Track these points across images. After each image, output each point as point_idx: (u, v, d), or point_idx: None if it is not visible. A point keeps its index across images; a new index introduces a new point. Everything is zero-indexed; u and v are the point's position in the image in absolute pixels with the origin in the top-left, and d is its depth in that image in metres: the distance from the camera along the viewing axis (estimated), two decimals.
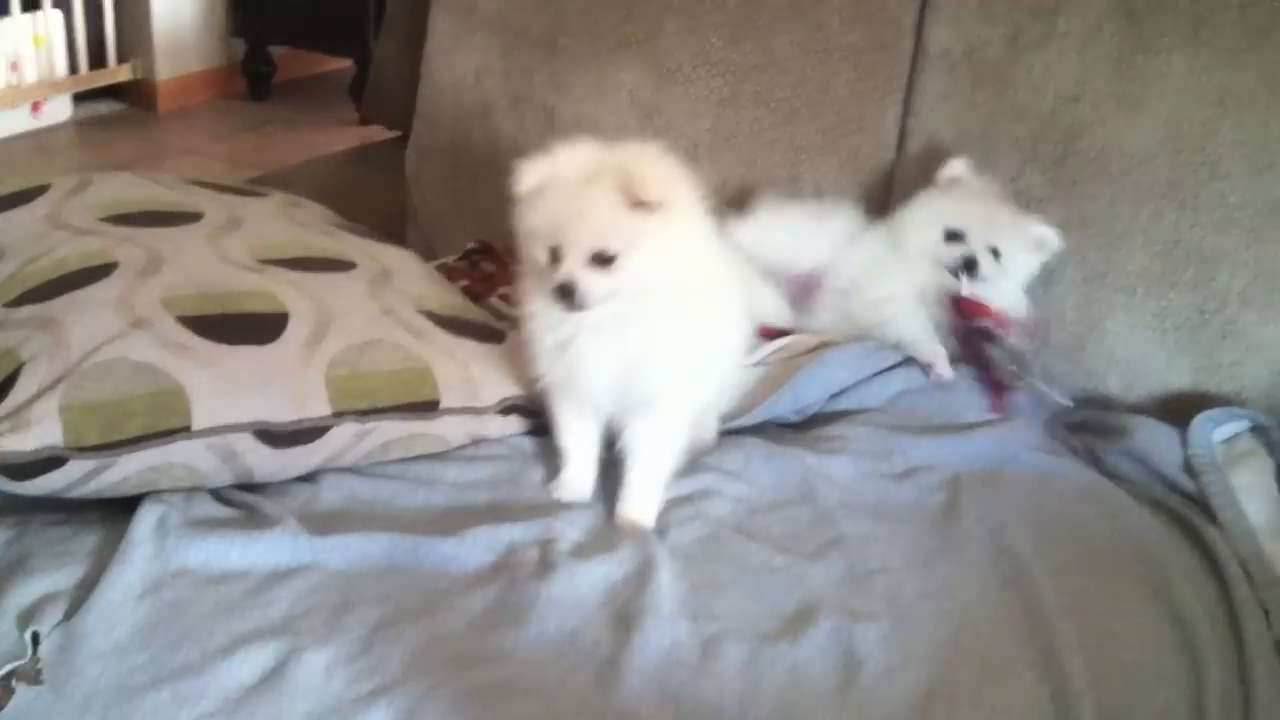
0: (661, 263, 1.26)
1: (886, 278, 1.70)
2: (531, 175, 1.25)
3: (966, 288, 1.65)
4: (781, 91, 1.86)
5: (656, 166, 1.25)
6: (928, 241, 1.68)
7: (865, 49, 1.81)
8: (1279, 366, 1.62)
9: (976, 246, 1.64)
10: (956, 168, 1.69)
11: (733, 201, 1.82)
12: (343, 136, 3.98)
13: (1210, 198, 1.62)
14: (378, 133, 2.41)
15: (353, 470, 1.37)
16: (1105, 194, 1.67)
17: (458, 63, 2.06)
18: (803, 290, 1.79)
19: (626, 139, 1.29)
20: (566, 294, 1.23)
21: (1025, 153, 1.72)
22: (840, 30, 1.82)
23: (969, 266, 1.64)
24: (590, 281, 1.23)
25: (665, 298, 1.29)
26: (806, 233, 1.77)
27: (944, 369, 1.64)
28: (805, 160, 1.86)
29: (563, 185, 1.24)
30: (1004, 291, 1.67)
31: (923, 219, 1.69)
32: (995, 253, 1.65)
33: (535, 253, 1.27)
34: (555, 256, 1.25)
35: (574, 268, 1.23)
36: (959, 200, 1.68)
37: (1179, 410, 1.61)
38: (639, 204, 1.22)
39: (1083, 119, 1.68)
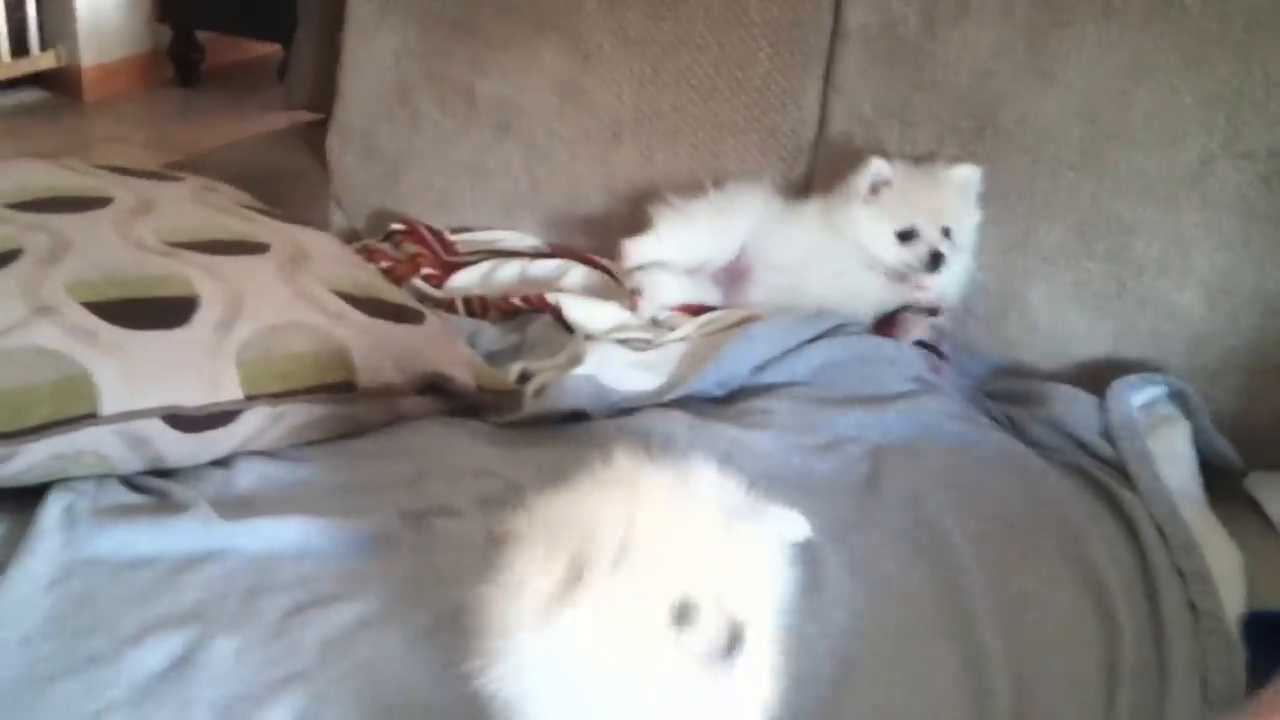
0: None
1: (836, 255, 1.70)
2: None
3: (932, 281, 1.67)
4: (702, 69, 1.86)
5: None
6: (882, 248, 1.68)
7: (784, 25, 1.81)
8: (1195, 332, 1.63)
9: (932, 239, 1.65)
10: (879, 168, 1.67)
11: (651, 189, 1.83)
12: (273, 121, 3.89)
13: (1125, 168, 1.63)
14: (308, 117, 2.36)
15: (267, 454, 1.35)
16: (1023, 165, 1.68)
17: (376, 44, 2.04)
18: (731, 276, 1.79)
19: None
20: None
21: (944, 126, 1.72)
22: (759, 6, 1.81)
23: (935, 261, 1.65)
24: None
25: None
26: (714, 230, 1.78)
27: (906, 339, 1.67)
28: (728, 137, 1.86)
29: None
30: (954, 270, 1.68)
31: (870, 229, 1.68)
32: (946, 232, 1.66)
33: None
34: None
35: None
36: (897, 201, 1.66)
37: (1100, 378, 1.63)
38: None
39: (999, 92, 1.68)
